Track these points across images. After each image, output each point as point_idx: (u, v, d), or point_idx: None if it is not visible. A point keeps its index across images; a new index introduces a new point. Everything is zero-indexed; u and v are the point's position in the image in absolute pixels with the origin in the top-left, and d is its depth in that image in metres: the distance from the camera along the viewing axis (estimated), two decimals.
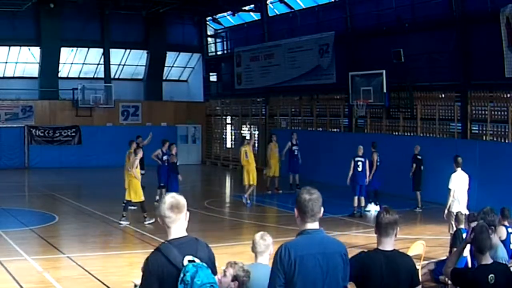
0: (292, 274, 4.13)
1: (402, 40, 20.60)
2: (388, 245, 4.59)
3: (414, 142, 20.34)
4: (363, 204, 16.82)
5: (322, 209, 4.31)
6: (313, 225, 4.27)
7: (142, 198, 15.17)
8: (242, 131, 31.27)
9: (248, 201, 18.10)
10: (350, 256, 4.44)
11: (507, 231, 8.64)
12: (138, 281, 5.70)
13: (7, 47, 29.06)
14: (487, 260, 4.89)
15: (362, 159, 16.78)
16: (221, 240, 13.90)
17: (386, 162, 18.92)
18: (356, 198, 16.72)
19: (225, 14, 31.94)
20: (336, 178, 21.42)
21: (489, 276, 4.76)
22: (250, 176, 18.33)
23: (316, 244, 4.22)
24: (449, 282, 8.71)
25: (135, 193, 15.02)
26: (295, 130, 26.86)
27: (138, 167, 15.36)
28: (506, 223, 8.99)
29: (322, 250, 4.21)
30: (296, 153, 21.59)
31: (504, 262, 5.65)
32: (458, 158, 12.81)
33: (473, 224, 8.99)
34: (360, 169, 16.71)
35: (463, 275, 5.19)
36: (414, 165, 17.66)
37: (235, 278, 4.79)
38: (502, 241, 8.38)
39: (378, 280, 4.47)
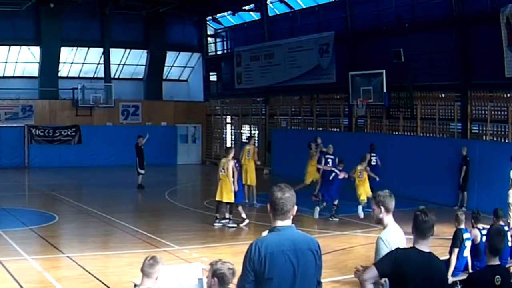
0: (263, 271, 4.18)
1: (402, 40, 20.60)
2: (425, 246, 4.66)
3: (414, 142, 20.40)
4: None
5: (295, 207, 4.38)
6: (283, 222, 4.35)
7: (232, 200, 14.84)
8: (242, 131, 31.29)
9: (247, 201, 17.86)
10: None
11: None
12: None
13: (7, 47, 29.06)
14: (495, 261, 4.91)
15: (332, 157, 17.31)
16: (221, 239, 13.93)
17: (386, 162, 18.96)
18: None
19: (225, 13, 31.94)
20: None
21: (496, 277, 4.79)
22: (248, 176, 17.87)
23: (286, 240, 4.28)
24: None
25: (227, 194, 14.73)
26: (295, 130, 26.93)
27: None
28: (501, 223, 9.08)
29: (292, 247, 4.26)
30: None
31: None
32: None
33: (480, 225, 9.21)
34: (330, 165, 17.07)
35: (470, 276, 5.25)
36: (465, 167, 17.75)
37: (214, 274, 4.83)
38: None
39: (412, 278, 4.52)
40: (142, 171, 21.84)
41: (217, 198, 14.91)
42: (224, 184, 14.74)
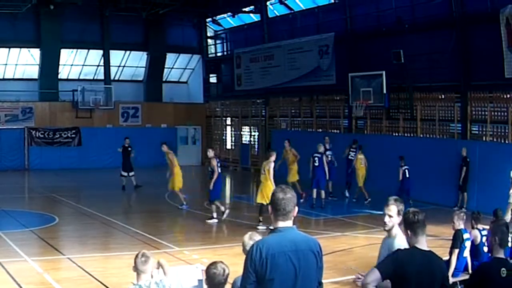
0: (264, 272, 4.17)
1: (402, 41, 20.59)
2: (423, 243, 4.73)
3: (414, 143, 20.40)
4: (323, 196, 17.90)
5: (296, 208, 4.38)
6: (285, 223, 4.33)
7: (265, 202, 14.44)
8: (242, 132, 31.30)
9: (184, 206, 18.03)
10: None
11: None
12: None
13: (7, 49, 29.10)
14: (502, 254, 4.99)
15: (319, 155, 17.96)
16: (221, 241, 13.93)
17: (386, 163, 18.99)
18: (314, 190, 17.77)
19: (224, 15, 31.98)
20: (337, 178, 21.41)
21: (502, 270, 4.87)
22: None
23: (288, 241, 4.27)
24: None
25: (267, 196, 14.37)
26: (295, 131, 26.91)
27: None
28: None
29: (293, 248, 4.25)
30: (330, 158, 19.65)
31: None
32: None
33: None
34: (317, 164, 17.84)
35: (479, 266, 5.31)
36: (465, 168, 17.70)
37: (205, 274, 5.06)
38: None
39: (414, 277, 4.55)
40: (132, 173, 22.04)
41: (258, 201, 14.82)
42: (263, 186, 14.77)
